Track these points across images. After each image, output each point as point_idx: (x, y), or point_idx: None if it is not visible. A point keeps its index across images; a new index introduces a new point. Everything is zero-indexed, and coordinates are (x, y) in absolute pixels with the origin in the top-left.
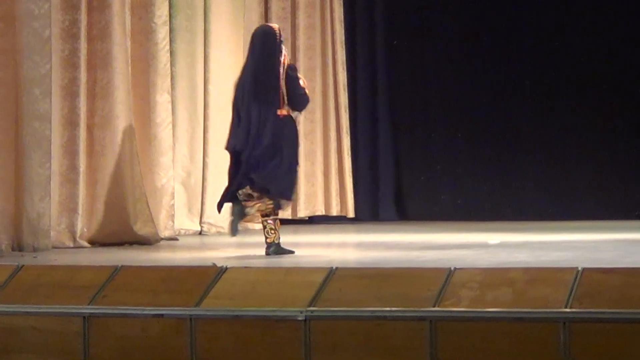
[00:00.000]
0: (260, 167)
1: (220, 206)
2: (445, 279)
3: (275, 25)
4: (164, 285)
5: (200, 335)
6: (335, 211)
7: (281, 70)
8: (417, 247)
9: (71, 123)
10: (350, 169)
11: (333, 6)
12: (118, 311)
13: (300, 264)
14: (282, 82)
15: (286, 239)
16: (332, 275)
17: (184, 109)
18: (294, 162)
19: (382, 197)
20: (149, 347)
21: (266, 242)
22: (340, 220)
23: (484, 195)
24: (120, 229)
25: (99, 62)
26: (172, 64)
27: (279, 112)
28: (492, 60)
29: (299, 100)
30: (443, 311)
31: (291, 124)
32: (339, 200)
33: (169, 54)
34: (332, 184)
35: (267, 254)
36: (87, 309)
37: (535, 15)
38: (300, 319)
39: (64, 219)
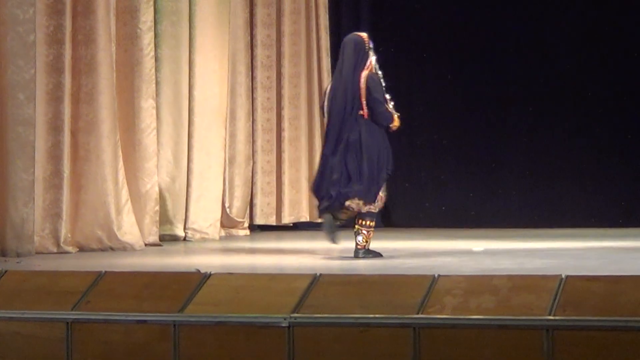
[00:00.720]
0: (359, 177)
1: (325, 211)
2: (429, 286)
3: (364, 34)
4: (147, 291)
5: (184, 341)
6: (320, 218)
7: (363, 75)
8: (401, 254)
9: (55, 128)
10: None
11: (318, 13)
12: (101, 317)
13: (284, 271)
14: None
15: (271, 245)
16: (316, 281)
17: (169, 114)
18: (384, 164)
19: None
20: (132, 353)
21: (357, 246)
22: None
23: (469, 202)
24: (104, 235)
25: (84, 68)
26: (156, 70)
27: (366, 116)
28: (477, 69)
29: (375, 114)
30: (427, 318)
31: (378, 127)
32: None
33: (153, 60)
34: None
35: (357, 257)
36: (70, 315)
37: (523, 23)
38: (284, 325)
39: (47, 225)
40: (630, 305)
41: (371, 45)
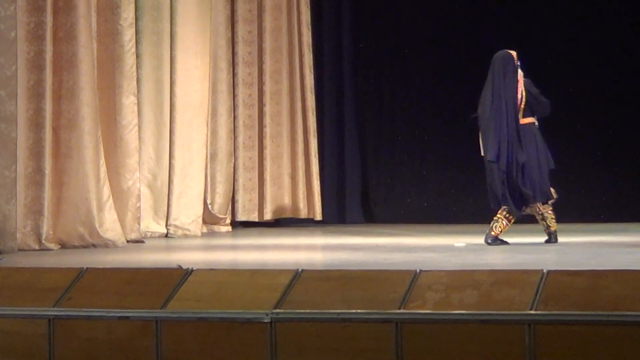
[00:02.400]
0: (538, 179)
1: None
2: (410, 281)
3: (513, 52)
4: (129, 288)
5: (165, 337)
6: (302, 214)
7: (519, 87)
8: (383, 250)
9: (37, 125)
10: (318, 172)
11: (300, 9)
12: (83, 313)
13: (266, 266)
14: (521, 97)
15: (253, 241)
16: (297, 277)
17: (150, 111)
18: (544, 162)
19: (349, 199)
20: (114, 349)
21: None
22: (307, 222)
23: (451, 198)
24: (86, 232)
25: (65, 64)
26: (138, 66)
27: (520, 121)
28: (459, 64)
29: (541, 108)
30: (409, 313)
31: (533, 129)
32: (306, 202)
33: (134, 56)
34: (300, 187)
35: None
36: (52, 311)
37: (503, 18)
38: (265, 321)
39: (29, 222)
40: (612, 299)
41: (518, 63)
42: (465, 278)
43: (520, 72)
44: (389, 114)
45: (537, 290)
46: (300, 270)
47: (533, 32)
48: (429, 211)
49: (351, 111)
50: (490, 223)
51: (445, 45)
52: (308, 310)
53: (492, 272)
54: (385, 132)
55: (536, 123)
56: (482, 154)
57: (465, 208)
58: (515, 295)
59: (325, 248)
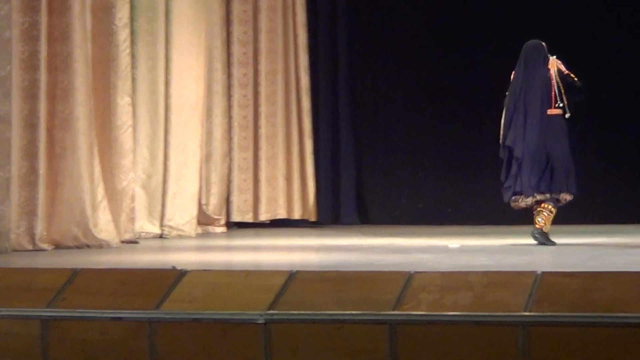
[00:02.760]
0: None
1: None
2: (404, 283)
3: (542, 43)
4: (123, 288)
5: (159, 338)
6: (297, 215)
7: (551, 74)
8: (377, 251)
9: (31, 125)
10: (313, 173)
11: (296, 10)
12: (77, 314)
13: (261, 267)
14: (553, 85)
15: (248, 242)
16: (292, 278)
17: (145, 111)
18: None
19: (344, 200)
20: (108, 351)
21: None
22: (302, 223)
23: (445, 199)
24: (80, 232)
25: (60, 65)
26: (133, 67)
27: (549, 111)
28: (455, 65)
29: (575, 90)
30: (402, 314)
31: (561, 120)
32: (301, 203)
33: (129, 57)
34: (294, 188)
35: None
36: (45, 312)
37: (497, 21)
38: (260, 322)
39: (23, 222)
40: (606, 301)
41: (546, 52)
42: (459, 279)
43: (552, 60)
44: (384, 115)
45: (531, 292)
46: (294, 271)
47: (530, 33)
48: (424, 212)
49: (346, 112)
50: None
51: (441, 46)
52: (302, 312)
53: (486, 274)
54: (381, 134)
55: (567, 114)
56: (502, 140)
57: (459, 209)
58: (509, 296)
59: (320, 249)
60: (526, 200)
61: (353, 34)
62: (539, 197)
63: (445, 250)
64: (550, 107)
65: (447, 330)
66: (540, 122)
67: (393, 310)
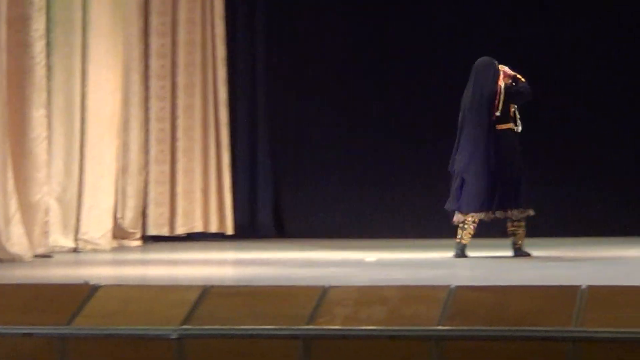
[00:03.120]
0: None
1: None
2: (319, 297)
3: (493, 60)
4: (34, 304)
5: (71, 354)
6: (214, 228)
7: (500, 89)
8: (293, 264)
9: None
10: (230, 186)
11: (214, 23)
12: None
13: (176, 282)
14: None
15: (163, 256)
16: (206, 293)
17: (61, 124)
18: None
19: (261, 214)
20: None
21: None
22: (218, 237)
23: (362, 212)
24: None
25: None
26: (48, 79)
27: (498, 127)
28: (376, 78)
29: (520, 96)
30: (317, 329)
31: (512, 135)
32: (217, 216)
33: (45, 68)
34: (211, 201)
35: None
36: None
37: (416, 35)
38: (173, 337)
39: None
40: (517, 315)
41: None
42: (374, 294)
43: (501, 74)
44: (301, 128)
45: (445, 306)
46: (208, 285)
47: (452, 50)
48: (341, 225)
49: (264, 125)
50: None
51: (359, 61)
52: (216, 326)
53: (401, 288)
54: (298, 146)
55: (516, 129)
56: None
57: (376, 222)
58: (423, 311)
59: (236, 263)
60: (474, 216)
61: (272, 47)
62: (489, 216)
63: (361, 263)
64: (500, 123)
65: (362, 345)
66: (489, 138)
67: (307, 324)
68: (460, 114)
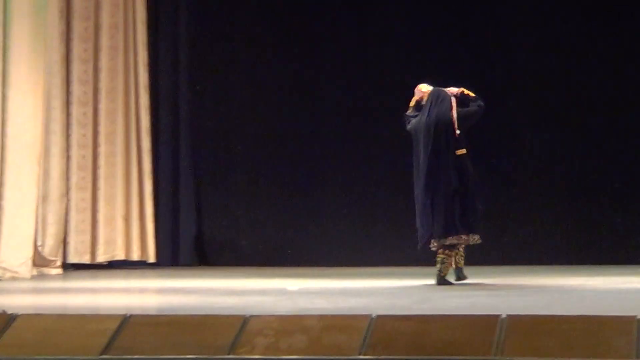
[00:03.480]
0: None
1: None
2: (240, 326)
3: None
4: None
5: None
6: (135, 256)
7: (453, 117)
8: (215, 293)
9: None
10: (152, 213)
11: (137, 49)
12: None
13: (97, 311)
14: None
15: (84, 284)
16: (126, 322)
17: None
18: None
19: (183, 242)
20: None
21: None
22: (140, 265)
23: (285, 241)
24: None
25: None
26: None
27: (457, 152)
28: (300, 107)
29: (474, 117)
30: (237, 359)
31: (467, 160)
32: (139, 244)
33: None
34: (133, 228)
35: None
36: None
37: (339, 52)
38: None
39: None
40: (438, 344)
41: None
42: (294, 323)
43: (453, 105)
44: (224, 156)
45: (366, 335)
46: (128, 315)
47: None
48: (264, 254)
49: (187, 153)
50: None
51: (284, 89)
52: (136, 356)
53: (322, 317)
54: (221, 174)
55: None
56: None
57: (299, 251)
58: (344, 340)
59: (157, 291)
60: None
61: (194, 73)
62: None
63: (284, 292)
64: (457, 149)
65: None
66: (447, 164)
67: (228, 354)
68: (415, 144)
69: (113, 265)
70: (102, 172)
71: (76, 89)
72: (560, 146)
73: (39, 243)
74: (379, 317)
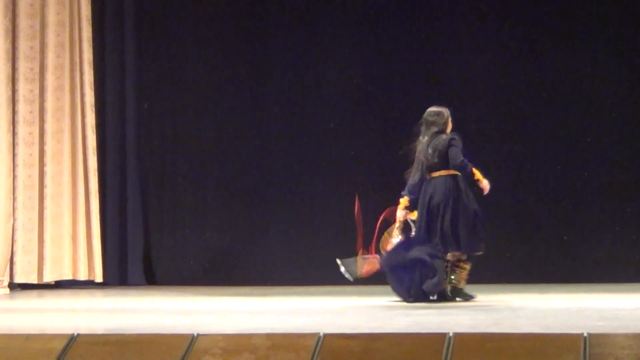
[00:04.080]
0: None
1: None
2: (187, 346)
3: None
4: None
5: None
6: (83, 275)
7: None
8: (163, 313)
9: None
10: (99, 233)
11: (83, 69)
12: None
13: (44, 331)
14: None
15: (31, 304)
16: (73, 342)
17: None
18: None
19: (131, 261)
20: None
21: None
22: (88, 284)
23: (233, 259)
24: None
25: None
26: None
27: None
28: (248, 120)
29: (456, 167)
30: None
31: (457, 182)
32: (87, 264)
33: None
34: (80, 248)
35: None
36: None
37: (289, 68)
38: None
39: None
40: None
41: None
42: (242, 342)
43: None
44: (171, 176)
45: (314, 354)
46: (76, 334)
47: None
48: (211, 272)
49: (134, 172)
50: None
51: (231, 102)
52: None
53: (269, 336)
54: (168, 194)
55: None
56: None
57: (247, 269)
58: (292, 359)
59: (105, 311)
60: None
61: (141, 92)
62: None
63: (231, 311)
64: (447, 169)
65: None
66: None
67: None
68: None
69: (60, 285)
70: (48, 191)
71: (22, 108)
72: (504, 165)
73: None
74: (327, 335)
